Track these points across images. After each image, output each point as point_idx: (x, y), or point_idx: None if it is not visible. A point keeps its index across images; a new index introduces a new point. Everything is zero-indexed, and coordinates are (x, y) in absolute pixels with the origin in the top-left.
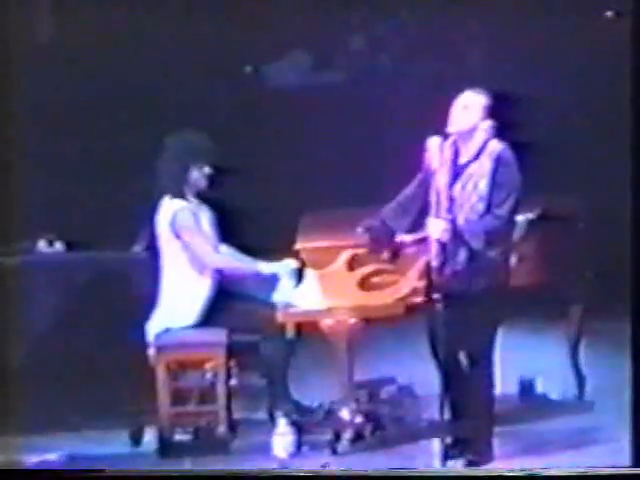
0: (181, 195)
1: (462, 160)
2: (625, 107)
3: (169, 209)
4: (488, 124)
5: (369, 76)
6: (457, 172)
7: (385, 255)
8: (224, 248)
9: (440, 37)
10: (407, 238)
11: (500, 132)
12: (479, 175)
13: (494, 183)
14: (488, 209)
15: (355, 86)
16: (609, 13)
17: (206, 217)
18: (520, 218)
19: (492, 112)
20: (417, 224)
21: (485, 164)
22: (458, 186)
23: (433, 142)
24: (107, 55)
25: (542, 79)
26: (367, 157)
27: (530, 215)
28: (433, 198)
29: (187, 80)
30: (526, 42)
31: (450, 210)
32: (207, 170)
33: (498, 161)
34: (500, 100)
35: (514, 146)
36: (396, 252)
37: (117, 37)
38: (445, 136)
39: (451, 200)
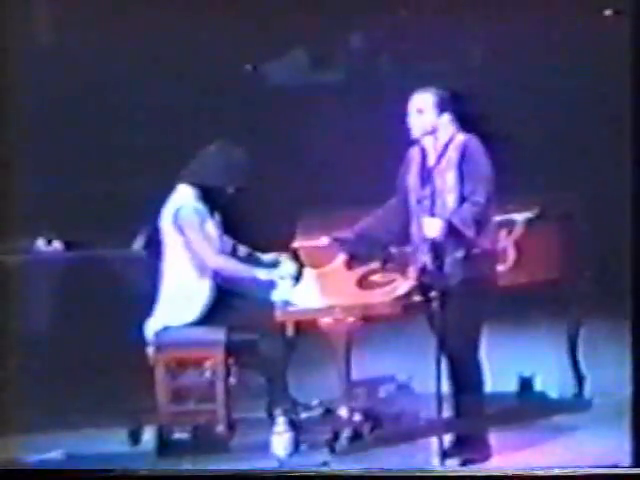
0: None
1: (432, 159)
2: (625, 106)
3: (176, 202)
4: (447, 119)
5: (368, 75)
6: (430, 171)
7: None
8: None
9: (441, 36)
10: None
11: (480, 128)
12: (448, 168)
13: (462, 173)
14: (462, 199)
15: (354, 85)
16: (608, 12)
17: (213, 219)
18: (519, 217)
19: (459, 109)
20: (405, 230)
21: (452, 156)
22: (433, 183)
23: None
24: (106, 55)
25: (540, 77)
26: (366, 156)
27: (529, 214)
28: (413, 201)
29: (186, 79)
30: (525, 41)
31: (435, 207)
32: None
33: (464, 151)
34: (475, 98)
35: (512, 144)
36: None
37: (115, 37)
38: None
39: (432, 197)
